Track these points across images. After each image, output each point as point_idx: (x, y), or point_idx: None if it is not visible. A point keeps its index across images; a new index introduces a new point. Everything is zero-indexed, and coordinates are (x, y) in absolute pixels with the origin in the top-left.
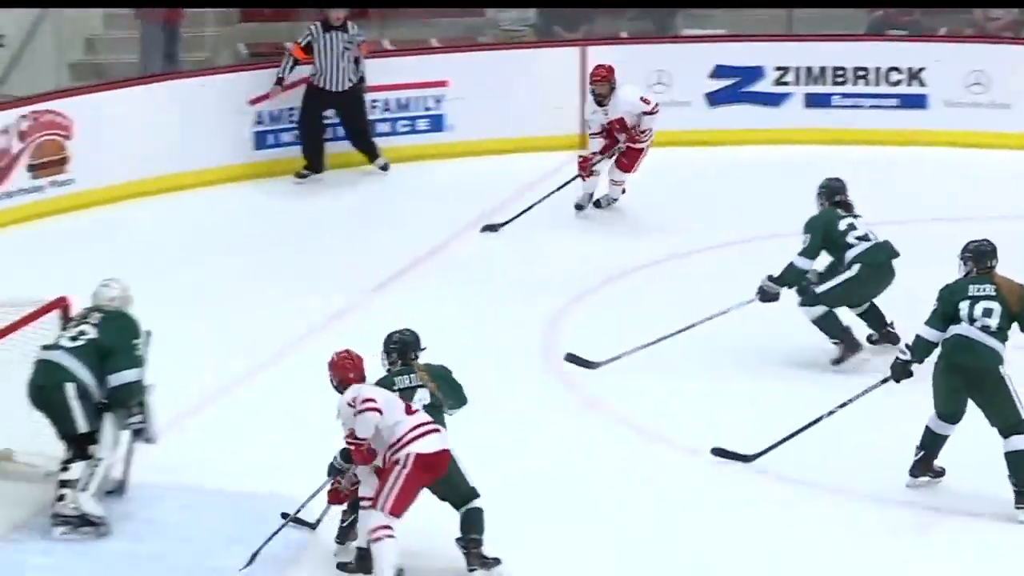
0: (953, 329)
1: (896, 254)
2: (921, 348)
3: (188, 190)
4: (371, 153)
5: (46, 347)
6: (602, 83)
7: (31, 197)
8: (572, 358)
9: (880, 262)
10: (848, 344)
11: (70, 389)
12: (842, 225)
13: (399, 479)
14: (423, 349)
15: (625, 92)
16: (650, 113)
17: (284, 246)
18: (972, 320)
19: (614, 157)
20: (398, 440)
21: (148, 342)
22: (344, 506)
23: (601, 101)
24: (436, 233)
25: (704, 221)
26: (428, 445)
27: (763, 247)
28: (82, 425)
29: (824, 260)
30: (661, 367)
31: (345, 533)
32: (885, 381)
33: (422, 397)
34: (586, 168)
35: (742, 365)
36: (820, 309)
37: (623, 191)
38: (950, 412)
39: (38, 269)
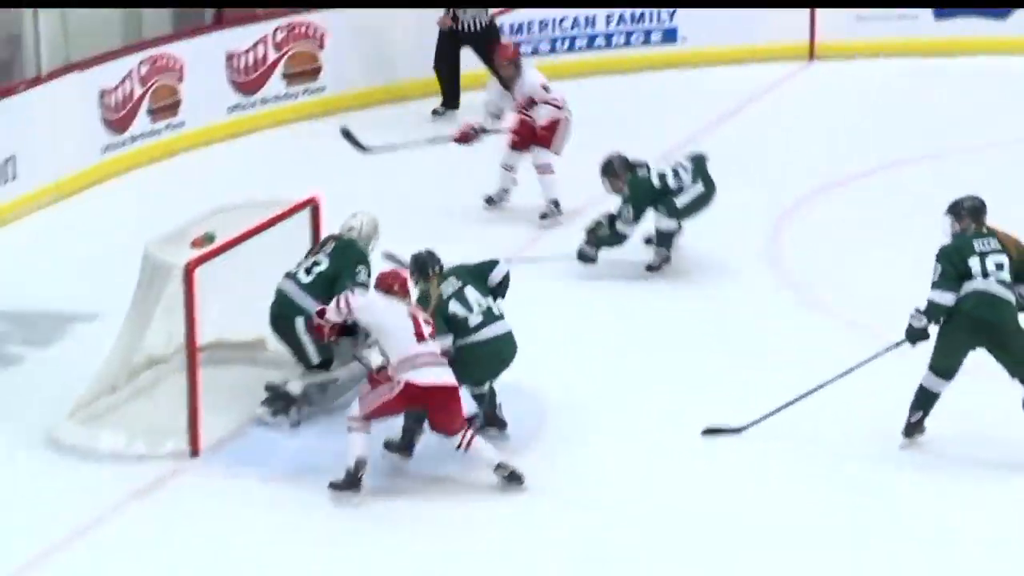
0: (970, 285)
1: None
2: (937, 312)
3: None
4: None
5: (286, 275)
6: (506, 66)
7: (286, 103)
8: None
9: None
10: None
11: (300, 323)
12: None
13: (383, 396)
14: (440, 265)
15: (532, 75)
16: (551, 104)
17: None
18: (986, 275)
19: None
20: (397, 362)
21: (369, 273)
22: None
23: (508, 84)
24: (667, 140)
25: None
26: (421, 377)
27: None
28: (313, 357)
29: None
30: None
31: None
32: (899, 344)
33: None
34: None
35: None
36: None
37: (514, 181)
38: (952, 369)
39: (291, 169)
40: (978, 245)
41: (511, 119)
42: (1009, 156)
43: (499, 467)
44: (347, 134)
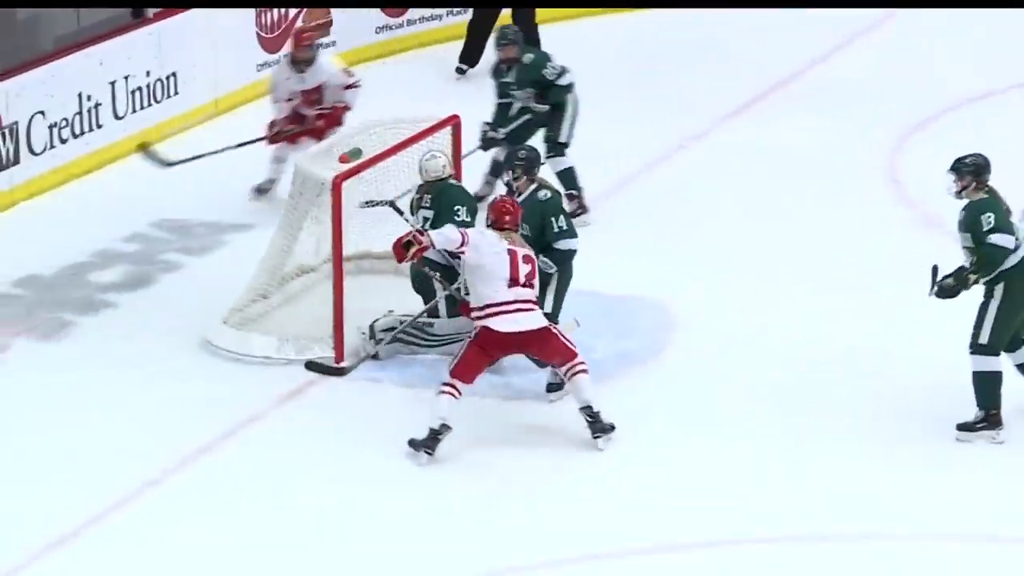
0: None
1: None
2: (1002, 257)
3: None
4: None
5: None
6: (307, 48)
7: (431, 24)
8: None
9: None
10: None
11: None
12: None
13: (466, 348)
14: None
15: (326, 61)
16: (353, 87)
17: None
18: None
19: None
20: (483, 308)
21: (474, 209)
22: None
23: (301, 68)
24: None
25: None
26: (503, 324)
27: None
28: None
29: None
30: None
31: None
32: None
33: None
34: (275, 138)
35: None
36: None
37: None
38: (1006, 342)
39: (436, 91)
40: (1002, 206)
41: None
42: None
43: (586, 408)
44: (148, 154)
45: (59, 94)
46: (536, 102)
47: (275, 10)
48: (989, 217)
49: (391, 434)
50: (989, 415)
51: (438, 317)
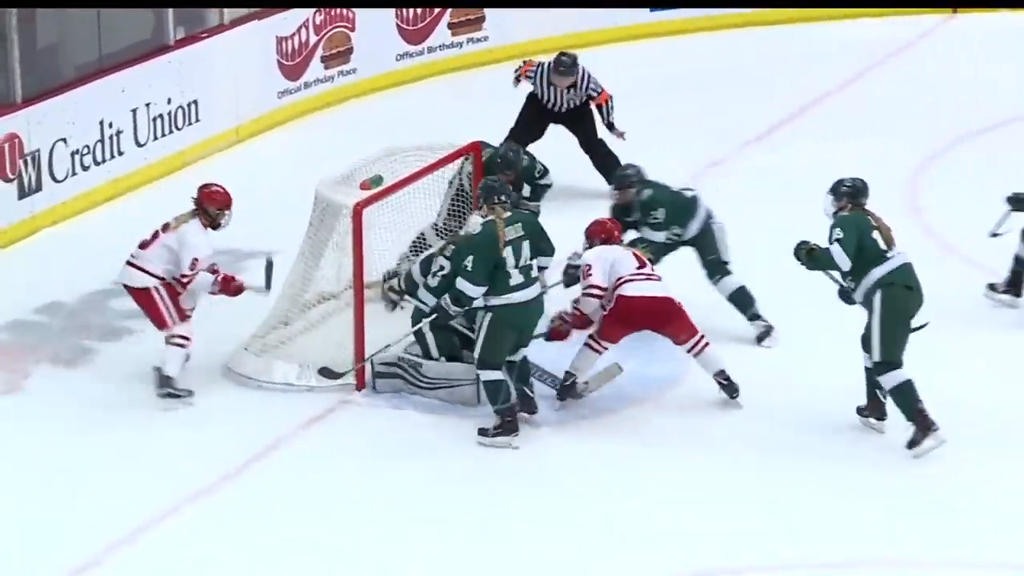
0: (896, 260)
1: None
2: (829, 265)
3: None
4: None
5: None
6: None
7: (450, 52)
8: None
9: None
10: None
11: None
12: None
13: (603, 318)
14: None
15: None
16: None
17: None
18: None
19: None
20: (615, 284)
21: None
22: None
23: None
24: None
25: None
26: (634, 289)
27: None
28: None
29: None
30: None
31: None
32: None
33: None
34: None
35: None
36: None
37: None
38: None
39: (456, 118)
40: (870, 222)
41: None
42: None
43: (719, 373)
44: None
45: (81, 121)
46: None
47: (295, 38)
48: (839, 232)
49: (410, 459)
50: (919, 421)
51: (430, 358)
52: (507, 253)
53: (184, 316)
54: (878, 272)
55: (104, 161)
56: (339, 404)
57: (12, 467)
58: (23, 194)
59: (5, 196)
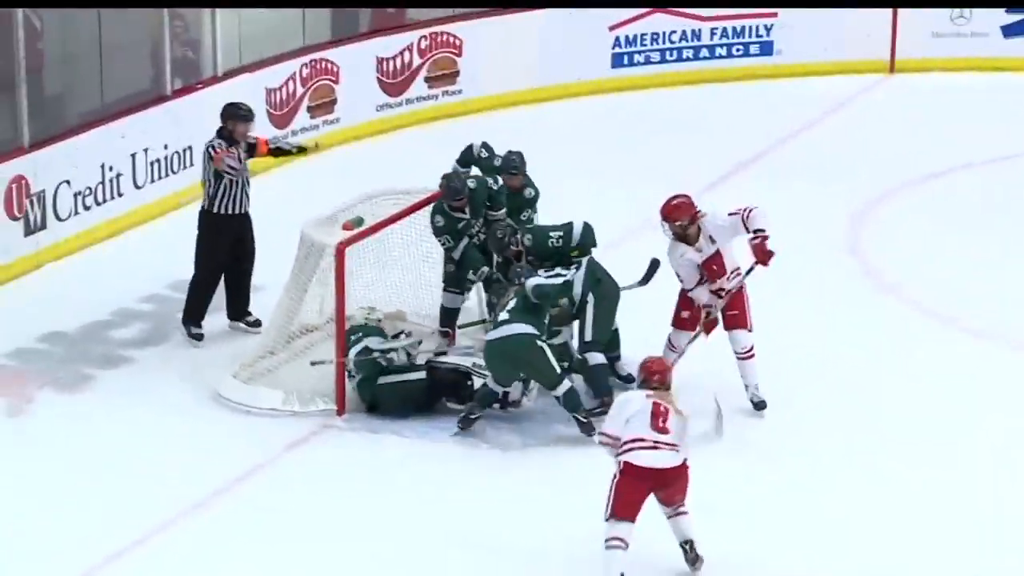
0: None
1: None
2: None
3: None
4: None
5: None
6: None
7: (427, 104)
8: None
9: None
10: None
11: None
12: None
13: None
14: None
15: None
16: None
17: (630, 146)
18: None
19: None
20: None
21: None
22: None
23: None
24: (758, 144)
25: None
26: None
27: None
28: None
29: None
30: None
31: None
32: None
33: None
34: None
35: None
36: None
37: None
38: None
39: (431, 163)
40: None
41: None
42: None
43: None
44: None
45: (83, 165)
46: None
47: (283, 89)
48: None
49: (388, 480)
50: (604, 402)
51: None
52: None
53: None
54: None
55: (105, 202)
56: (322, 428)
57: (13, 485)
58: (29, 231)
59: (12, 233)
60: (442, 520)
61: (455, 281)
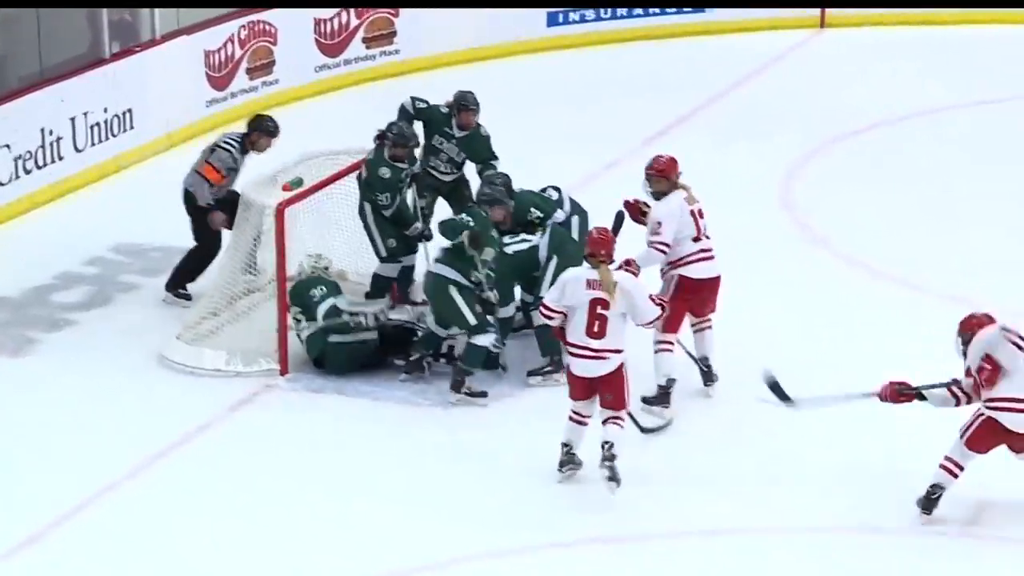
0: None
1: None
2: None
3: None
4: None
5: None
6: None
7: (365, 64)
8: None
9: None
10: None
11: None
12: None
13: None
14: None
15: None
16: None
17: (569, 104)
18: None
19: None
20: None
21: None
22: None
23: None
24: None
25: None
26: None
27: None
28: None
29: None
30: None
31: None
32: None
33: None
34: None
35: None
36: None
37: None
38: None
39: (368, 124)
40: None
41: None
42: (1000, 114)
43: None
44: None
45: (23, 129)
46: None
47: (222, 52)
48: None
49: (330, 438)
50: (553, 360)
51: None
52: None
53: None
54: None
55: (45, 165)
56: (264, 388)
57: None
58: None
59: None
60: (383, 477)
61: (398, 250)
